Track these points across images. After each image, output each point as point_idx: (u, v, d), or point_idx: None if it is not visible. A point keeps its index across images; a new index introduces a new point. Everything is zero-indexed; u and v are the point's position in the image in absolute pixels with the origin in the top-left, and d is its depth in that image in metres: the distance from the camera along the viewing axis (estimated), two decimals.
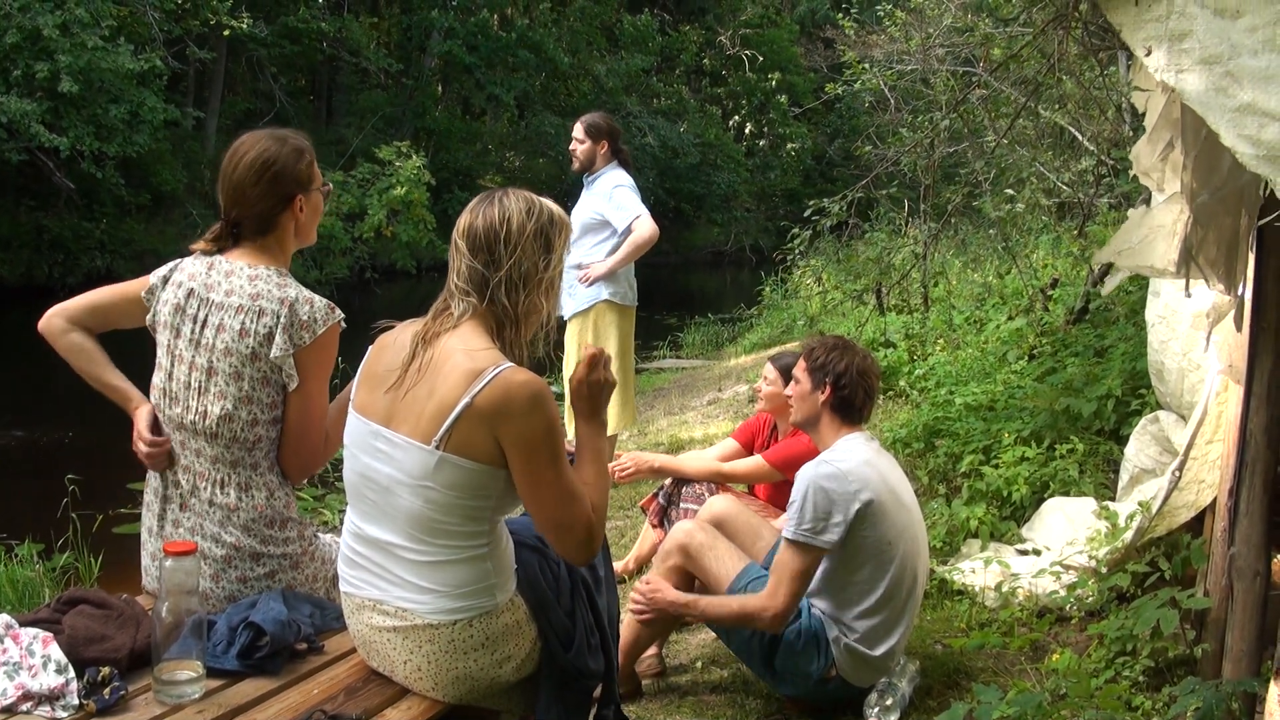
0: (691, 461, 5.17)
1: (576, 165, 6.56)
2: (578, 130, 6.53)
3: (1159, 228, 3.16)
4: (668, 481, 5.13)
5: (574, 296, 6.38)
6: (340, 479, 2.89)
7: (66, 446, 11.40)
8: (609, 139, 6.47)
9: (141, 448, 3.06)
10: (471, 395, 2.52)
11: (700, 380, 11.92)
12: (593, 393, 2.81)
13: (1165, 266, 3.17)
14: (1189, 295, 3.36)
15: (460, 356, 2.58)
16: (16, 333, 18.69)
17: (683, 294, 26.88)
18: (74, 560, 5.99)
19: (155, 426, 3.06)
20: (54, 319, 3.15)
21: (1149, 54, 2.13)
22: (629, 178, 6.43)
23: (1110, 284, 4.80)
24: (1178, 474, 4.14)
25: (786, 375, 5.02)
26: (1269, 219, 2.73)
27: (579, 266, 6.31)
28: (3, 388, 14.14)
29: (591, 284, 6.29)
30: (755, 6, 41.33)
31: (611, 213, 6.30)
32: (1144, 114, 3.48)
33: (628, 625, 3.93)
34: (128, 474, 8.29)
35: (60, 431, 12.48)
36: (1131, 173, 3.70)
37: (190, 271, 3.03)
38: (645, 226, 6.22)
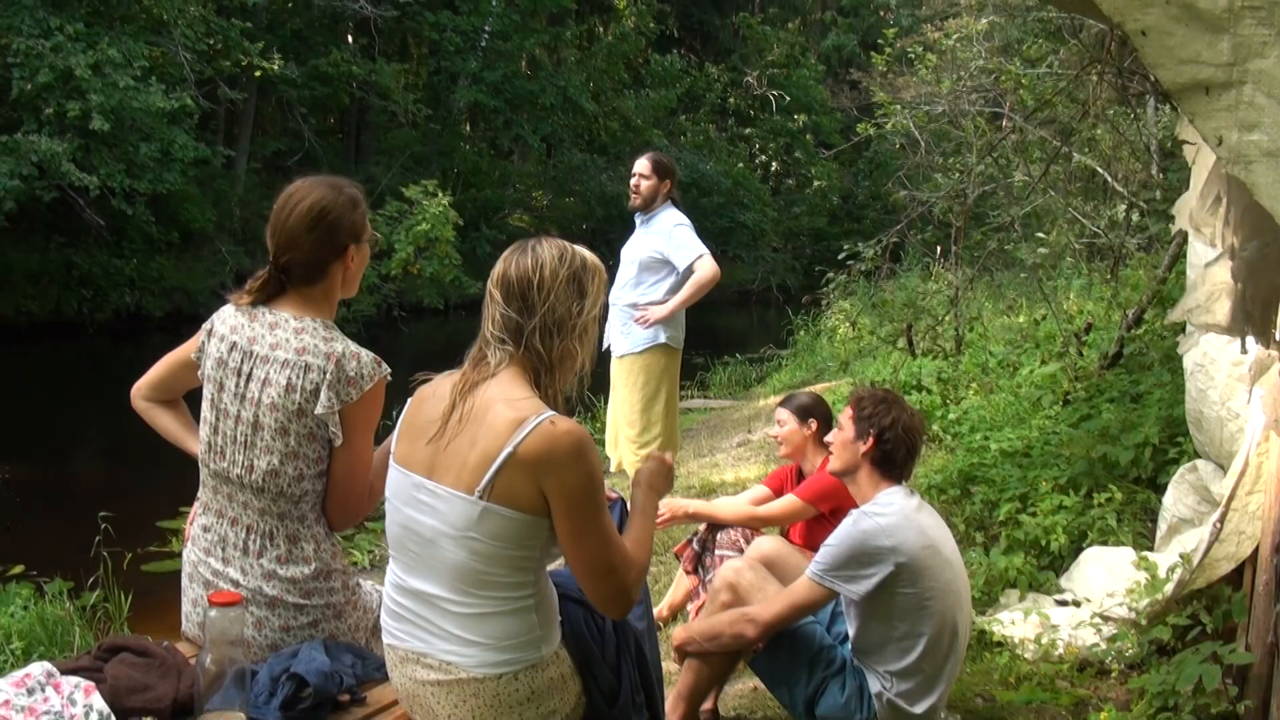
0: (725, 507, 5.13)
1: (638, 201, 6.38)
2: (644, 166, 6.37)
3: (1222, 284, 3.14)
4: (702, 527, 5.09)
5: (628, 336, 6.28)
6: (371, 518, 2.88)
7: (93, 481, 11.45)
8: (671, 178, 6.37)
9: None
10: (514, 444, 2.51)
11: (729, 421, 11.87)
12: (663, 482, 2.97)
13: (1230, 324, 3.15)
14: (1244, 352, 3.34)
15: (501, 406, 2.58)
16: (46, 367, 18.88)
17: (709, 333, 26.77)
18: (104, 598, 5.99)
19: None
20: (135, 400, 3.31)
21: (1219, 143, 2.12)
22: (686, 217, 6.34)
23: (1187, 344, 4.73)
24: (1219, 525, 4.10)
25: (800, 414, 5.01)
26: None
27: (634, 306, 6.23)
28: (29, 422, 14.22)
29: (650, 325, 6.20)
30: (782, 47, 41.55)
31: (673, 252, 6.18)
32: (1192, 163, 3.47)
33: (686, 669, 3.91)
34: (156, 511, 8.36)
35: (88, 466, 12.53)
36: (1167, 218, 3.67)
37: (232, 324, 3.02)
38: (707, 266, 6.12)
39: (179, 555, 7.55)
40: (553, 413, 2.57)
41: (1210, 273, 3.24)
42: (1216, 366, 4.54)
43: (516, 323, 2.67)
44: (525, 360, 2.67)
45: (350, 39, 29.50)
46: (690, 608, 5.02)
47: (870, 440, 3.76)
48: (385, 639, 2.78)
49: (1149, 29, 1.96)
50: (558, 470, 2.52)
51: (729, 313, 34.01)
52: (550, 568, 2.77)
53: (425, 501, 2.63)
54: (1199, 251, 4.48)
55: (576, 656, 2.73)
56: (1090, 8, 2.16)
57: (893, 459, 3.77)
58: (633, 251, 6.38)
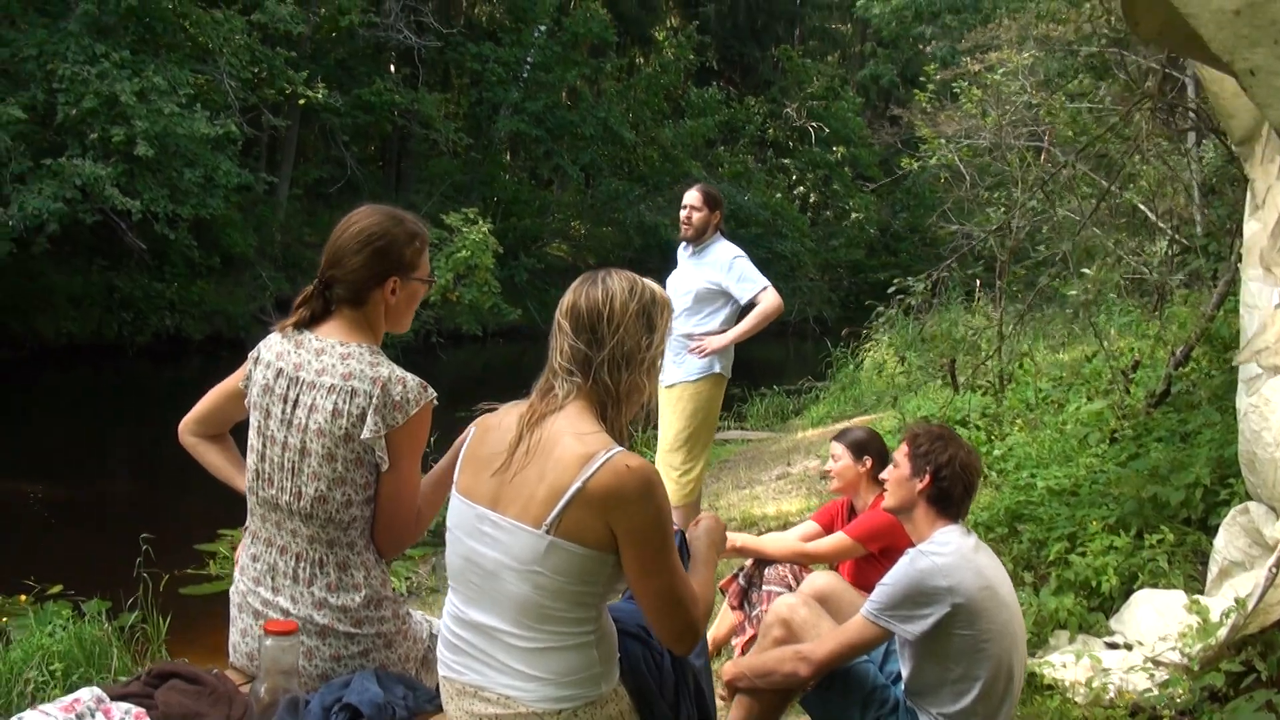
0: (773, 542, 5.08)
1: (689, 233, 6.38)
2: (695, 198, 6.37)
3: None
4: (748, 562, 5.05)
5: (681, 366, 6.27)
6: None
7: (132, 502, 11.52)
8: (720, 209, 6.40)
9: None
10: (584, 479, 2.48)
11: (767, 453, 11.81)
12: (720, 538, 3.02)
13: None
14: None
15: (570, 439, 2.55)
16: (86, 388, 19.04)
17: (746, 363, 26.69)
18: (142, 620, 5.99)
19: None
20: (183, 436, 3.29)
21: None
22: (740, 249, 6.36)
23: (1254, 386, 4.65)
24: (1274, 570, 4.03)
25: (855, 450, 4.95)
26: None
27: (689, 336, 6.23)
28: (69, 443, 14.33)
29: (708, 355, 6.21)
30: (821, 80, 41.64)
31: (733, 284, 6.22)
32: (1260, 202, 3.42)
33: (736, 705, 3.86)
34: (194, 533, 8.40)
35: (126, 487, 12.61)
36: (1208, 254, 3.63)
37: (278, 350, 3.01)
38: (772, 297, 6.18)
39: (217, 578, 7.59)
40: (622, 449, 2.55)
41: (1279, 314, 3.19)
42: (1271, 408, 4.48)
43: (585, 355, 2.64)
44: (592, 393, 2.64)
45: (393, 68, 29.86)
46: (735, 643, 4.97)
47: (927, 477, 3.70)
48: (442, 671, 2.75)
49: (1257, 69, 1.93)
50: (627, 508, 2.49)
51: (766, 344, 33.84)
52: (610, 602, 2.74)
53: (488, 533, 2.60)
54: (1253, 291, 4.42)
55: (635, 693, 2.70)
56: (1197, 47, 2.13)
57: (949, 496, 3.71)
58: (685, 282, 6.38)
